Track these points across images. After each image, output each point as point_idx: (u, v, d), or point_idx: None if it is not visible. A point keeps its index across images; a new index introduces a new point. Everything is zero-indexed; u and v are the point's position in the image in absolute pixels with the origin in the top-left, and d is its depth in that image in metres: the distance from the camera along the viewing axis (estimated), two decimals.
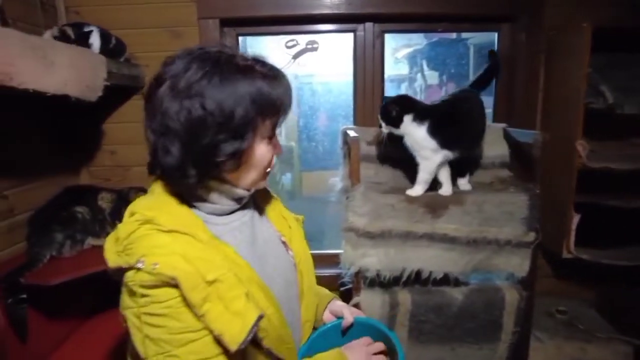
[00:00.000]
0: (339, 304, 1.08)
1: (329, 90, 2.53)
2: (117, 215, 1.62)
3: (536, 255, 1.67)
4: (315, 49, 1.96)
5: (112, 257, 0.75)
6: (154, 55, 1.85)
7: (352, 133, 1.63)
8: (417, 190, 1.60)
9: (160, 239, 0.72)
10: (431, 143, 1.53)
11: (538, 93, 1.88)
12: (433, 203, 1.57)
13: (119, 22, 1.81)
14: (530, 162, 1.72)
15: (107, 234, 1.58)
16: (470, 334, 1.66)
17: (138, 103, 1.89)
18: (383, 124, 1.58)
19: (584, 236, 1.74)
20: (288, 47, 1.96)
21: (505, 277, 1.70)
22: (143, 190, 1.65)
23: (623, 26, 1.67)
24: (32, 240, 1.42)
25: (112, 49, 1.66)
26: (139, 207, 0.78)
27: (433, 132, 1.52)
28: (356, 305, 1.57)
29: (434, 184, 1.66)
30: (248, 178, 0.83)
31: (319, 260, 1.39)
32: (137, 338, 0.72)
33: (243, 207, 0.90)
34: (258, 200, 0.99)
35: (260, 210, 0.98)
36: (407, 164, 1.69)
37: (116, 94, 1.80)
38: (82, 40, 1.51)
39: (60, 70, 1.18)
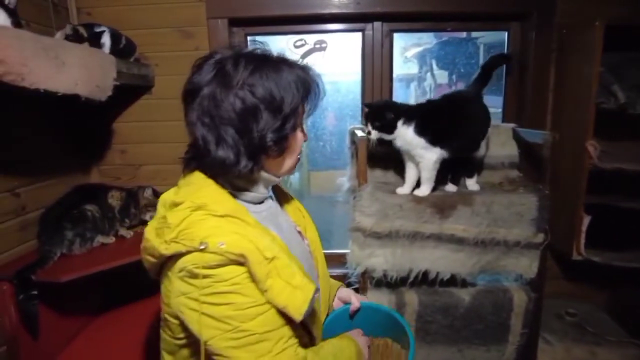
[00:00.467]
0: (346, 291, 1.15)
1: (337, 89, 2.53)
2: (126, 213, 1.65)
3: (545, 257, 1.65)
4: (323, 49, 1.96)
5: (163, 246, 0.77)
6: (164, 55, 1.87)
7: (359, 133, 1.62)
8: (424, 190, 1.59)
9: (216, 222, 0.76)
10: (420, 141, 1.52)
11: (548, 92, 1.85)
12: (441, 203, 1.56)
13: (130, 22, 1.83)
14: (539, 162, 1.71)
15: (116, 232, 1.63)
16: (478, 335, 1.65)
17: (148, 102, 1.92)
18: (373, 131, 1.54)
19: (596, 238, 1.71)
20: (296, 47, 1.96)
21: (514, 279, 1.68)
22: (151, 189, 1.68)
23: (636, 24, 1.64)
24: (42, 238, 1.45)
25: (122, 49, 1.68)
26: (181, 195, 0.81)
27: (420, 131, 1.51)
28: None
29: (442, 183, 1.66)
30: (286, 164, 0.89)
31: (327, 260, 1.40)
32: (194, 322, 0.75)
33: (269, 198, 0.97)
34: (276, 194, 1.05)
35: (280, 203, 1.05)
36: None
37: (126, 93, 1.83)
38: (95, 40, 1.53)
39: (71, 70, 1.20)
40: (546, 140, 1.56)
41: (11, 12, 1.10)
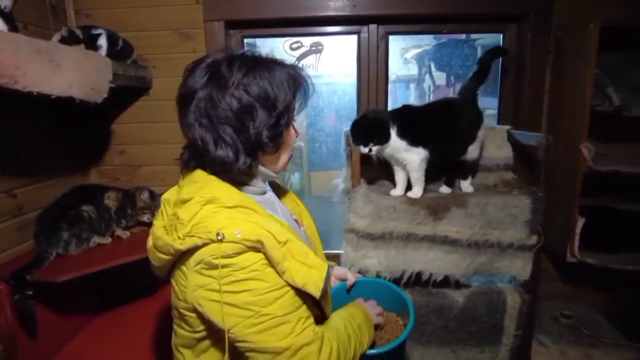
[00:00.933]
0: (341, 269, 1.21)
1: (335, 90, 2.54)
2: (122, 214, 1.66)
3: (539, 259, 1.66)
4: (319, 51, 1.97)
5: (177, 241, 0.79)
6: (161, 57, 1.89)
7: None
8: (416, 191, 1.60)
9: (228, 213, 0.79)
10: (402, 144, 1.52)
11: (544, 94, 1.85)
12: (435, 205, 1.57)
13: (128, 24, 1.85)
14: (534, 164, 1.71)
15: (113, 232, 1.64)
16: (472, 336, 1.66)
17: (146, 104, 1.93)
18: (374, 148, 1.50)
19: (592, 240, 1.71)
20: (292, 49, 1.97)
21: (508, 280, 1.69)
22: (148, 192, 1.69)
23: (632, 25, 1.64)
24: (39, 239, 1.47)
25: (120, 51, 1.70)
26: (186, 192, 0.83)
27: (401, 133, 1.51)
28: None
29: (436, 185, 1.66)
30: (282, 160, 0.94)
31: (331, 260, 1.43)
32: (216, 312, 0.77)
33: (269, 190, 1.02)
34: (273, 186, 1.11)
35: (277, 194, 1.10)
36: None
37: (124, 94, 1.85)
38: (91, 42, 1.55)
39: (66, 72, 1.22)
40: (540, 142, 1.56)
41: (7, 17, 1.12)
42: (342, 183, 1.78)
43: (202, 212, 0.79)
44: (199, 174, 0.87)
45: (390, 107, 1.93)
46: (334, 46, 2.05)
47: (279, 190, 1.14)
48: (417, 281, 1.64)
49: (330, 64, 2.08)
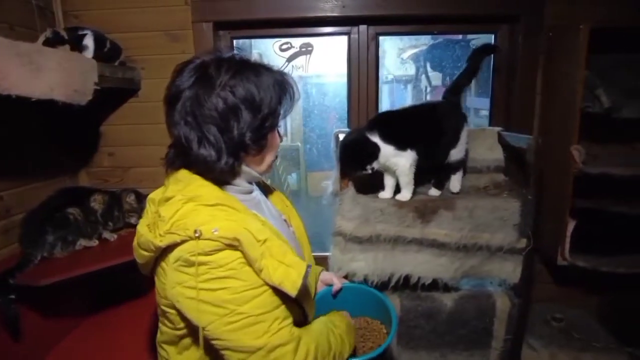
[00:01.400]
0: (328, 274, 1.22)
1: (332, 90, 2.53)
2: (109, 217, 1.65)
3: (530, 262, 1.64)
4: (309, 52, 1.96)
5: (158, 238, 0.80)
6: (150, 58, 1.88)
7: (342, 136, 1.62)
8: (405, 194, 1.58)
9: (208, 211, 0.81)
10: (389, 149, 1.50)
11: (535, 96, 1.84)
12: (423, 208, 1.56)
13: (117, 25, 1.84)
14: (525, 167, 1.69)
15: (100, 235, 1.63)
16: (461, 340, 1.65)
17: (135, 105, 1.92)
18: (373, 166, 1.50)
19: (585, 242, 1.70)
20: (282, 50, 1.96)
21: (498, 284, 1.68)
22: (136, 192, 1.68)
23: (623, 26, 1.62)
24: (23, 242, 1.46)
25: (107, 52, 1.69)
26: (170, 191, 0.85)
27: (385, 137, 1.50)
28: None
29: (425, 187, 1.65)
30: (265, 162, 0.95)
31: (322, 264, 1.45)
32: (192, 310, 0.78)
33: (255, 189, 1.03)
34: (261, 186, 1.11)
35: (264, 194, 1.10)
36: None
37: (113, 96, 1.84)
38: (76, 43, 1.54)
39: (47, 75, 1.21)
40: (530, 145, 1.54)
41: None
42: (332, 185, 1.76)
43: (182, 210, 0.80)
44: (183, 173, 0.89)
45: (386, 108, 1.90)
46: (324, 47, 2.03)
47: (268, 191, 1.15)
48: (405, 285, 1.63)
49: (321, 65, 2.06)
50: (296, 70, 2.01)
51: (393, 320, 1.06)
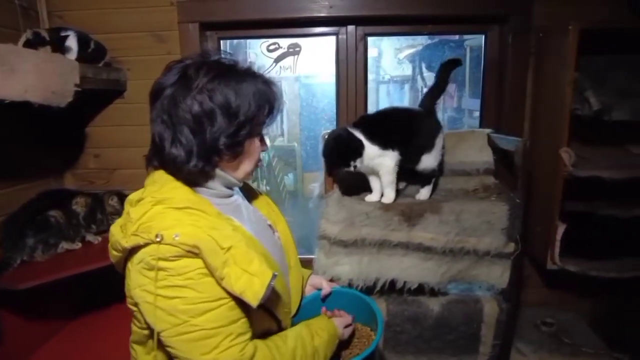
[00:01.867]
0: (317, 277, 1.22)
1: (320, 91, 2.51)
2: (92, 219, 1.64)
3: (520, 267, 1.62)
4: (297, 53, 1.94)
5: (125, 239, 0.80)
6: (136, 60, 1.86)
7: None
8: (389, 194, 1.56)
9: (175, 215, 0.80)
10: (374, 149, 1.48)
11: (526, 97, 1.81)
12: (409, 211, 1.53)
13: (102, 26, 1.82)
14: (514, 169, 1.67)
15: (83, 238, 1.62)
16: (449, 345, 1.62)
17: (121, 107, 1.91)
18: (356, 163, 1.47)
19: (575, 246, 1.67)
20: (269, 51, 1.94)
21: (487, 288, 1.65)
22: (119, 194, 1.66)
23: (613, 27, 1.59)
24: (3, 245, 1.44)
25: (91, 53, 1.67)
26: (146, 193, 0.85)
27: (370, 137, 1.48)
28: None
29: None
30: (242, 169, 0.93)
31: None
32: (149, 314, 0.79)
33: (236, 193, 1.01)
34: (245, 191, 1.10)
35: (248, 199, 1.09)
36: None
37: (98, 97, 1.82)
38: (58, 44, 1.52)
39: (21, 77, 1.19)
40: (518, 147, 1.51)
41: None
42: (319, 187, 1.74)
43: (150, 213, 0.80)
44: (160, 174, 0.89)
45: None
46: (313, 48, 2.01)
47: (253, 195, 1.13)
48: (392, 289, 1.60)
49: (310, 66, 2.04)
50: (284, 71, 1.98)
51: (379, 327, 1.04)
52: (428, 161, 1.59)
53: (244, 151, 0.90)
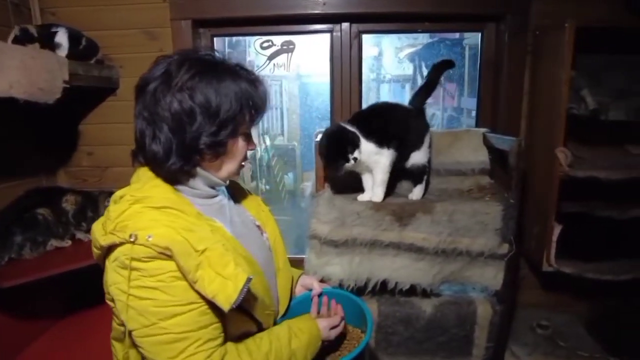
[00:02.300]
0: (308, 278, 1.20)
1: (307, 92, 2.49)
2: (82, 217, 1.62)
3: (515, 268, 1.60)
4: (291, 50, 1.92)
5: (103, 237, 0.80)
6: (129, 57, 1.85)
7: (319, 137, 1.58)
8: (379, 193, 1.54)
9: (152, 214, 0.79)
10: (370, 146, 1.46)
11: (522, 96, 1.79)
12: (400, 211, 1.51)
13: (95, 23, 1.81)
14: (508, 169, 1.64)
15: (73, 235, 1.60)
16: (441, 348, 1.60)
17: (114, 104, 1.90)
18: (355, 155, 1.43)
19: (573, 247, 1.65)
20: (263, 48, 1.92)
21: (481, 290, 1.62)
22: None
23: (609, 26, 1.57)
24: None
25: (82, 50, 1.66)
26: (127, 191, 0.84)
27: (366, 135, 1.46)
28: None
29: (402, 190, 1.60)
30: (225, 169, 0.91)
31: None
32: (122, 312, 0.78)
33: (221, 193, 0.99)
34: (233, 191, 1.08)
35: (236, 199, 1.07)
36: None
37: (90, 95, 1.81)
38: (47, 40, 1.51)
39: (6, 73, 1.18)
40: (512, 147, 1.49)
41: None
42: (311, 187, 1.72)
43: (128, 211, 0.79)
44: (143, 172, 0.89)
45: None
46: (306, 45, 1.99)
47: (242, 196, 1.11)
48: (384, 290, 1.58)
49: (303, 63, 2.02)
50: (278, 69, 1.97)
51: (368, 328, 1.03)
52: (417, 157, 1.57)
53: (227, 151, 0.89)
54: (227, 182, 0.97)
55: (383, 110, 1.58)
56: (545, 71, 1.67)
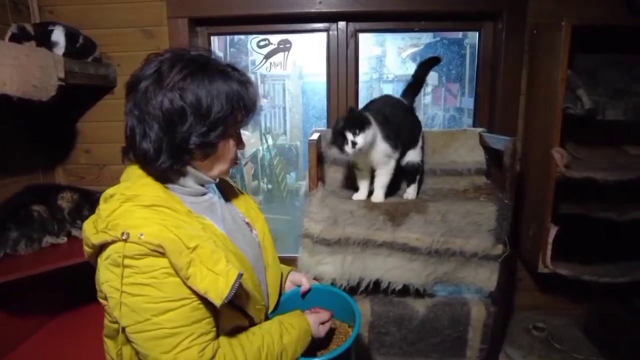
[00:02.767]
0: (298, 274, 1.20)
1: (304, 90, 2.49)
2: (78, 215, 1.63)
3: (509, 269, 1.58)
4: (287, 49, 1.92)
5: (94, 235, 0.81)
6: (126, 55, 1.86)
7: (313, 135, 1.58)
8: (379, 195, 1.54)
9: (143, 213, 0.80)
10: (386, 147, 1.46)
11: (519, 96, 1.77)
12: (393, 211, 1.50)
13: (92, 21, 1.83)
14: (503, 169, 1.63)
15: (68, 232, 1.61)
16: (434, 349, 1.58)
17: (111, 102, 1.91)
18: (359, 137, 1.37)
19: (570, 249, 1.63)
20: (260, 47, 1.92)
21: (475, 291, 1.61)
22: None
23: (606, 24, 1.55)
24: None
25: (79, 48, 1.67)
26: (117, 189, 0.85)
27: (386, 136, 1.45)
28: None
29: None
30: (215, 168, 0.92)
31: None
32: (115, 309, 0.79)
33: (211, 191, 1.00)
34: (223, 188, 1.10)
35: (226, 197, 1.08)
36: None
37: (88, 93, 1.82)
38: (43, 38, 1.52)
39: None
40: (507, 147, 1.47)
41: None
42: (304, 186, 1.72)
43: (119, 210, 0.80)
44: (132, 170, 0.89)
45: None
46: (303, 44, 1.99)
47: (232, 193, 1.12)
48: (377, 289, 1.57)
49: (299, 62, 2.02)
50: (274, 68, 1.97)
51: (356, 323, 1.03)
52: (412, 155, 1.57)
53: (217, 151, 0.89)
54: (217, 179, 0.97)
55: (393, 109, 1.57)
56: (541, 70, 1.65)
